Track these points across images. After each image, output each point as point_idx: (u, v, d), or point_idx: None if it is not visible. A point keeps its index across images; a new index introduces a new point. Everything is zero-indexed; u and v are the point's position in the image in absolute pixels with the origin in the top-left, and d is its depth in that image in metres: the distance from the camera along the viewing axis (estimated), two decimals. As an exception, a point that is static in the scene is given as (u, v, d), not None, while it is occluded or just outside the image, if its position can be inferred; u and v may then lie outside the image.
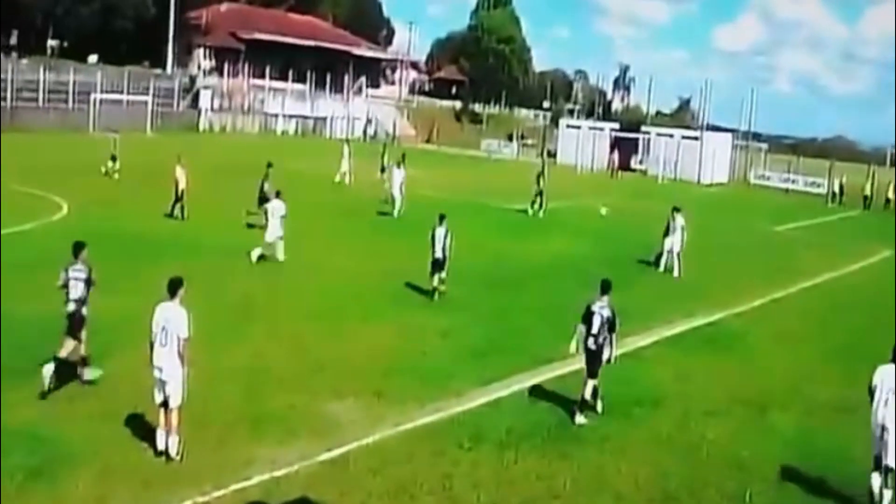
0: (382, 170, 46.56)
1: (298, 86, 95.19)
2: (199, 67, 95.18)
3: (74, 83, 73.94)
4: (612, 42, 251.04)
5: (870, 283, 30.95)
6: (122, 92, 75.82)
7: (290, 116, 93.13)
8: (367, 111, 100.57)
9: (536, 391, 16.09)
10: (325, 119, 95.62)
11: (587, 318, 15.06)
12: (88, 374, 14.62)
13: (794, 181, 73.02)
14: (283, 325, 19.22)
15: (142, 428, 12.68)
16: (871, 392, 12.52)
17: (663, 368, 18.15)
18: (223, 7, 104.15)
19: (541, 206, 40.50)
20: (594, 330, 14.96)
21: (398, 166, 38.36)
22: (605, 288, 15.27)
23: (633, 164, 77.20)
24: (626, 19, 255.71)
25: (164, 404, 12.34)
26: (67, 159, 49.78)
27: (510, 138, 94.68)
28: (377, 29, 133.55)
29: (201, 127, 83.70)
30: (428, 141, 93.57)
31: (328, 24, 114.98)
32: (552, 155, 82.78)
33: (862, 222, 54.03)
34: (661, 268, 29.31)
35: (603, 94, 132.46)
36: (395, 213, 36.92)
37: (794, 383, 17.97)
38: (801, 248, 37.26)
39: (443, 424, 14.27)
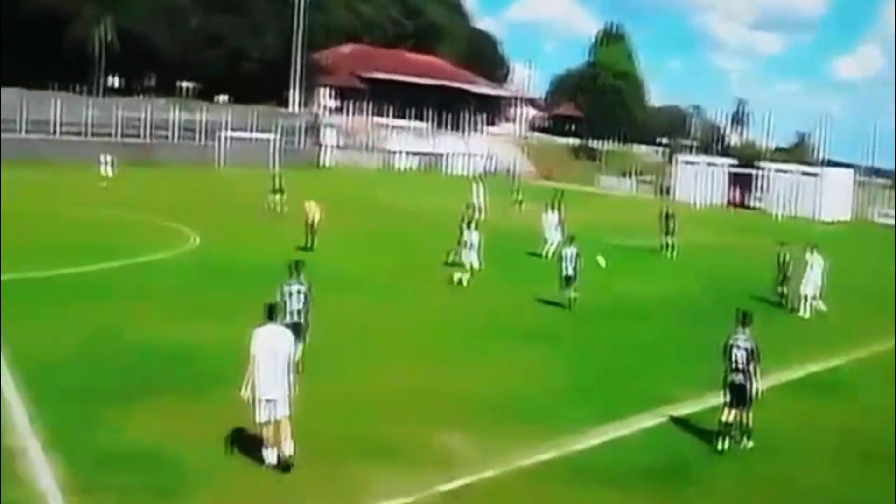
0: (520, 203, 47.54)
1: (419, 123, 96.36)
2: (322, 106, 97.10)
3: (204, 121, 76.51)
4: (728, 75, 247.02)
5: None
6: (248, 130, 77.91)
7: (411, 153, 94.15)
8: (487, 148, 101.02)
9: (650, 431, 15.82)
10: (444, 156, 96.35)
11: (728, 353, 14.96)
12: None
13: (919, 218, 70.58)
14: (399, 355, 19.30)
15: (259, 452, 12.86)
16: None
17: (778, 414, 17.11)
18: (346, 48, 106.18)
19: (670, 247, 39.15)
20: (739, 364, 14.86)
21: (553, 208, 37.54)
22: (745, 320, 15.16)
23: (750, 200, 75.67)
24: (742, 52, 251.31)
25: (267, 421, 12.72)
26: (197, 192, 51.28)
27: (627, 174, 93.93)
28: (495, 67, 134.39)
29: (324, 163, 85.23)
30: (547, 178, 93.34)
31: (447, 63, 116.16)
32: (668, 191, 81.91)
33: None
34: (790, 308, 28.50)
35: (719, 128, 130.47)
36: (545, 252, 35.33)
37: None
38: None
39: (559, 462, 14.06)
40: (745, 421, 15.13)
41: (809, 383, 20.06)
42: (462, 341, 21.02)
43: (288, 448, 12.65)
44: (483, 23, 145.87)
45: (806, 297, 27.70)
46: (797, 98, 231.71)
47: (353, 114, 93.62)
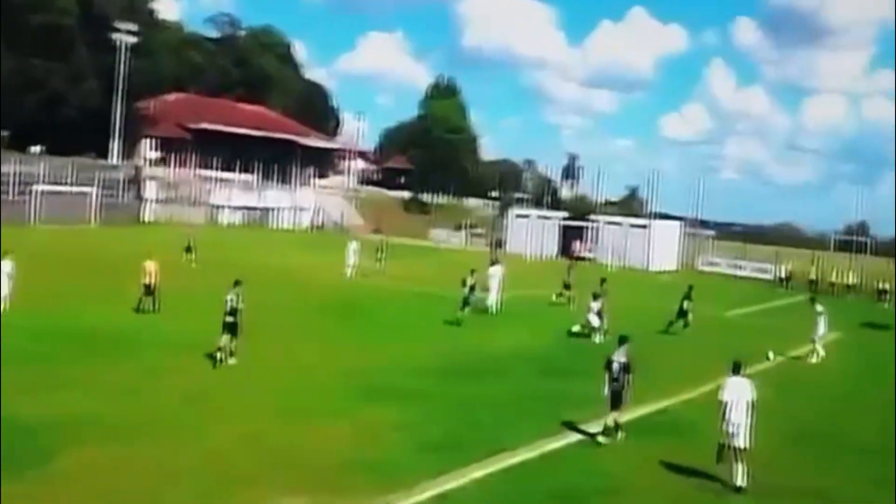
0: (378, 261, 51.16)
1: (246, 176, 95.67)
2: (144, 158, 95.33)
3: (16, 174, 73.50)
4: (561, 131, 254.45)
5: (819, 366, 31.43)
6: (65, 183, 75.56)
7: (237, 207, 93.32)
8: (315, 201, 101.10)
9: (485, 481, 16.18)
10: (271, 210, 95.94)
11: (608, 366, 19.15)
12: (231, 361, 23.76)
13: (742, 267, 75.01)
14: (242, 423, 18.91)
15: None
16: (722, 402, 16.60)
17: (618, 456, 18.28)
18: (171, 97, 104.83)
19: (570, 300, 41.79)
20: (615, 375, 18.95)
21: (493, 264, 40.46)
22: (622, 341, 19.60)
23: (582, 252, 78.19)
24: (575, 109, 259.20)
25: None
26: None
27: (459, 228, 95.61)
28: (326, 119, 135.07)
29: (145, 218, 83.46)
30: (376, 231, 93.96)
31: (277, 114, 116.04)
32: (501, 244, 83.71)
33: (809, 306, 54.80)
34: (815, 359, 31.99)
35: (551, 182, 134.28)
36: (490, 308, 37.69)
37: (759, 468, 17.97)
38: (752, 334, 37.39)
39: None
40: (618, 421, 19.12)
41: (645, 424, 21.12)
42: (303, 405, 20.77)
43: None
44: (314, 73, 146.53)
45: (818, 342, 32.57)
46: (627, 154, 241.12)
47: (178, 166, 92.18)
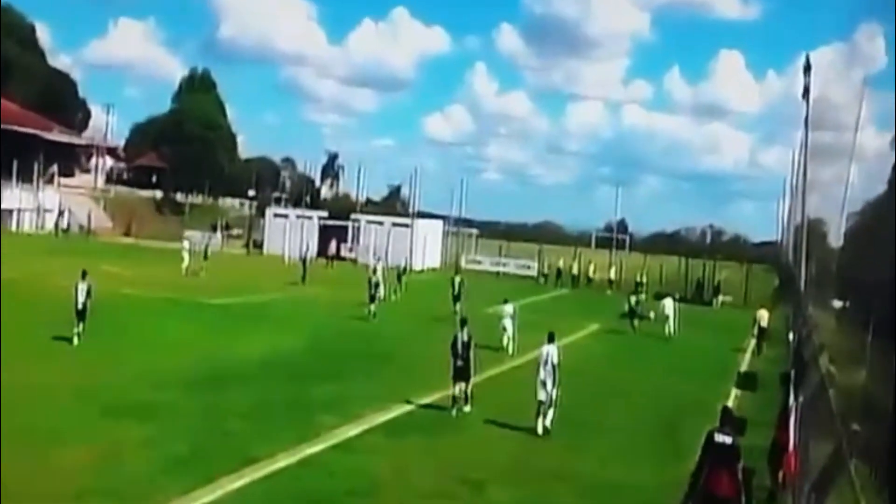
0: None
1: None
2: None
3: None
4: (321, 130, 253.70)
5: (581, 355, 32.65)
6: None
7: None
8: (60, 202, 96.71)
9: (241, 491, 15.77)
10: (11, 212, 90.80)
11: (454, 344, 22.34)
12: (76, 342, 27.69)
13: (505, 264, 77.70)
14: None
15: None
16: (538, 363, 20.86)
17: (377, 456, 18.35)
18: None
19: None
20: (460, 352, 22.16)
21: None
22: (464, 323, 23.10)
23: (343, 252, 78.47)
24: (335, 107, 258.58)
25: None
26: None
27: (214, 229, 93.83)
28: (72, 111, 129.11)
29: None
30: (127, 234, 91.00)
31: (16, 105, 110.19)
32: (259, 245, 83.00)
33: (571, 299, 57.75)
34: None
35: (311, 182, 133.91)
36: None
37: (514, 456, 18.84)
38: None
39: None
40: (467, 392, 22.23)
41: (410, 421, 21.69)
42: (50, 423, 19.36)
43: None
44: (59, 61, 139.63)
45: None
46: (390, 153, 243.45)
47: None
